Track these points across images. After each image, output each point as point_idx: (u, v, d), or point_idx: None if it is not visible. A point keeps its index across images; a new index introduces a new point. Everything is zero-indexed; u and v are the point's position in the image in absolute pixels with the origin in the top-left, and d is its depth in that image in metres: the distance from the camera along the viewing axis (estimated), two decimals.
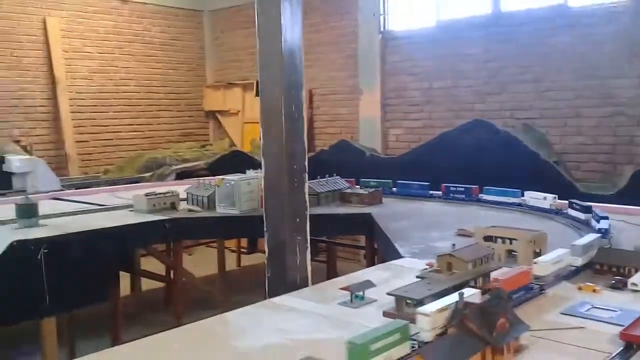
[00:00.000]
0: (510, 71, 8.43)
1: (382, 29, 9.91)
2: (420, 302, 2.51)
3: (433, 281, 2.74)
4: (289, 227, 3.47)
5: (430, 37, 9.30)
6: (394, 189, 6.57)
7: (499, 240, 3.50)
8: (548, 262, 3.04)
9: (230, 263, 9.35)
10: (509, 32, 8.40)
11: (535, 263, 3.04)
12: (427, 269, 3.04)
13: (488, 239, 3.50)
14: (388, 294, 2.68)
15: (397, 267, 3.65)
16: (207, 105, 12.92)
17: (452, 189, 6.14)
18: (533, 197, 5.38)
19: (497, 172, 6.69)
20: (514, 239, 3.43)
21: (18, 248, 4.32)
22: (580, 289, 2.94)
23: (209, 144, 12.28)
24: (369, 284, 2.98)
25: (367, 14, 10.01)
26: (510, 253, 3.48)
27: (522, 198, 5.53)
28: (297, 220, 3.51)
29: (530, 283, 2.86)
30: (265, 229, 3.57)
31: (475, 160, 7.39)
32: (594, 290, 2.90)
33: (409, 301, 2.55)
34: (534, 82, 8.21)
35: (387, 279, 3.27)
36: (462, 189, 6.05)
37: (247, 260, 9.68)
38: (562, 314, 2.61)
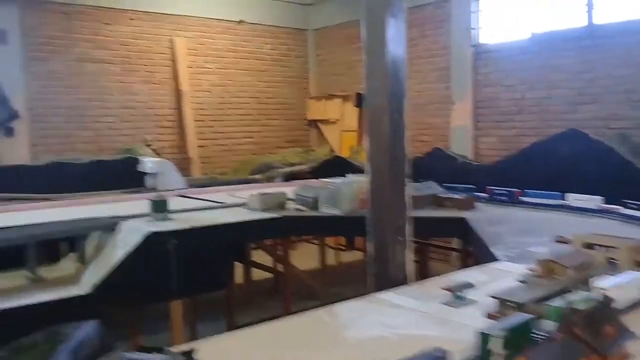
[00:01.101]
0: (604, 82, 7.89)
1: (474, 42, 9.61)
2: (522, 306, 2.39)
3: (535, 285, 2.60)
4: (392, 228, 3.43)
5: (523, 50, 8.89)
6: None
7: (597, 247, 3.28)
8: None
9: (329, 259, 9.40)
10: (603, 43, 7.87)
11: None
12: (527, 273, 2.88)
13: (588, 246, 3.28)
14: (491, 296, 2.56)
15: (494, 270, 3.50)
16: (310, 115, 13.07)
17: (496, 191, 6.30)
18: (577, 199, 5.47)
19: (590, 181, 6.27)
20: (615, 247, 3.19)
21: (152, 238, 4.54)
22: None
23: (311, 150, 12.41)
24: (468, 285, 2.88)
25: (460, 29, 9.74)
26: (609, 260, 3.24)
27: (563, 201, 5.58)
28: (399, 222, 3.46)
29: None
30: (369, 229, 3.54)
31: (568, 169, 6.95)
32: None
33: (511, 304, 2.43)
34: (628, 93, 7.64)
35: (484, 281, 3.14)
36: (506, 191, 6.18)
37: (345, 257, 9.68)
38: None
